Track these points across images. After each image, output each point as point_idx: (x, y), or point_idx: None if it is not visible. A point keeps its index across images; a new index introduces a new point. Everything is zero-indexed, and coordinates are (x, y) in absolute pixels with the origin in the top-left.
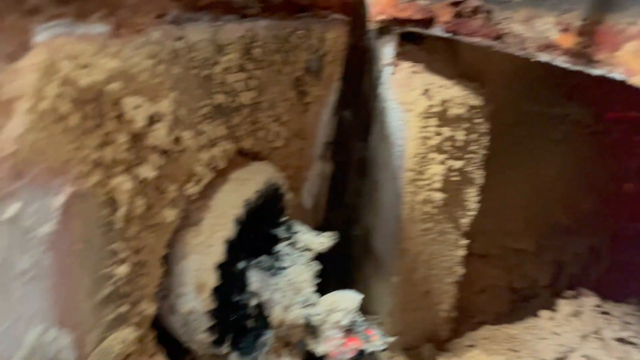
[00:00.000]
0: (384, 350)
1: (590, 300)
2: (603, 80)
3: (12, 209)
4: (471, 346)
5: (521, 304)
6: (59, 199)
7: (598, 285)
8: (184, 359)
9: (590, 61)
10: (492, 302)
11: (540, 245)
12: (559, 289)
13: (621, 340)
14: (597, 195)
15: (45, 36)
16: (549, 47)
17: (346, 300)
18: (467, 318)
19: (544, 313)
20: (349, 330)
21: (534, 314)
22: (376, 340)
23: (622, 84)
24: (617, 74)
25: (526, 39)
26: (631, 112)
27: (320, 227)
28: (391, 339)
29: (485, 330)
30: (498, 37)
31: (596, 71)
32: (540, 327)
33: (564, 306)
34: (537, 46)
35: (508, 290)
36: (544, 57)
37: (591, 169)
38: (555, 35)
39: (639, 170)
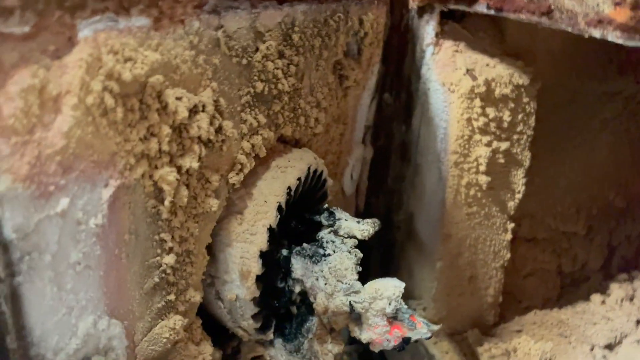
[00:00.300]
0: (428, 338)
1: None
2: None
3: (63, 202)
4: (518, 331)
5: (571, 288)
6: (107, 192)
7: None
8: (230, 345)
9: None
10: (541, 287)
11: (591, 228)
12: (611, 272)
13: None
14: None
15: (89, 32)
16: (601, 22)
17: (390, 287)
18: (514, 303)
19: (595, 297)
20: (394, 318)
21: (584, 298)
22: (421, 328)
23: None
24: None
25: (577, 14)
26: None
27: (362, 213)
28: (436, 327)
29: (534, 315)
30: (546, 13)
31: None
32: (592, 312)
33: (616, 290)
34: (589, 21)
35: (557, 274)
36: (596, 33)
37: None
38: (608, 9)
39: None
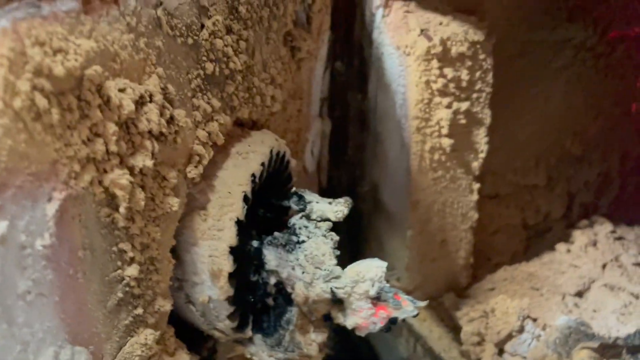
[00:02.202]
0: (415, 316)
1: (604, 228)
2: None
3: (1, 227)
4: (492, 289)
5: (536, 240)
6: (52, 207)
7: (610, 211)
8: (205, 346)
9: None
10: (508, 242)
11: (550, 178)
12: (572, 220)
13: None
14: (604, 120)
15: (6, 22)
16: None
17: (372, 268)
18: (483, 261)
19: (560, 246)
20: (377, 299)
21: (550, 248)
22: (407, 306)
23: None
24: None
25: None
26: (634, 28)
27: (325, 188)
28: (423, 304)
29: (504, 272)
30: None
31: None
32: (559, 261)
33: (580, 237)
34: None
35: (522, 227)
36: None
37: (597, 93)
38: None
39: None
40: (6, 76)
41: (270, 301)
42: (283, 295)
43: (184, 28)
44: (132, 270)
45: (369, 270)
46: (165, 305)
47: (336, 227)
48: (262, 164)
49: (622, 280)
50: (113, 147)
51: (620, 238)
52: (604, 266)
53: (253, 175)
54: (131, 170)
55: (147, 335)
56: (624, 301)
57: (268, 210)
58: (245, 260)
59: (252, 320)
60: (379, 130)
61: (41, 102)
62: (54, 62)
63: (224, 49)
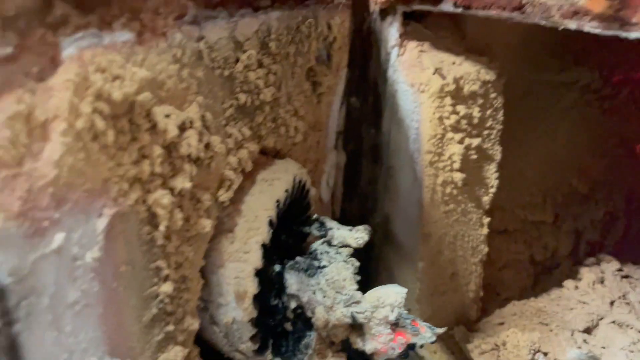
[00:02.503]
0: (434, 342)
1: (611, 266)
2: (609, 41)
3: (58, 238)
4: (501, 324)
5: (544, 276)
6: (102, 222)
7: (617, 249)
8: None
9: (625, 24)
10: (516, 277)
11: (557, 215)
12: (580, 257)
13: None
14: (609, 160)
15: (74, 49)
16: (577, 13)
17: (392, 294)
18: (493, 295)
19: (568, 283)
20: (395, 325)
21: (558, 284)
22: (425, 332)
23: (628, 45)
24: None
25: (550, 7)
26: (638, 72)
27: (337, 219)
28: (440, 330)
29: (513, 306)
30: (518, 8)
31: (633, 34)
32: (567, 298)
33: (587, 274)
34: (564, 13)
35: (530, 263)
36: (572, 25)
37: (602, 133)
38: (583, 1)
39: None
40: (71, 99)
41: (288, 326)
42: (302, 320)
43: (222, 60)
44: (167, 287)
45: (389, 296)
46: (193, 324)
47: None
48: (286, 191)
49: (630, 317)
50: (158, 169)
51: (627, 276)
52: (611, 303)
53: (277, 201)
54: (172, 191)
55: (177, 353)
56: (633, 338)
57: (289, 235)
58: (268, 284)
59: (271, 343)
60: (391, 164)
61: (100, 123)
62: (112, 87)
63: (255, 81)
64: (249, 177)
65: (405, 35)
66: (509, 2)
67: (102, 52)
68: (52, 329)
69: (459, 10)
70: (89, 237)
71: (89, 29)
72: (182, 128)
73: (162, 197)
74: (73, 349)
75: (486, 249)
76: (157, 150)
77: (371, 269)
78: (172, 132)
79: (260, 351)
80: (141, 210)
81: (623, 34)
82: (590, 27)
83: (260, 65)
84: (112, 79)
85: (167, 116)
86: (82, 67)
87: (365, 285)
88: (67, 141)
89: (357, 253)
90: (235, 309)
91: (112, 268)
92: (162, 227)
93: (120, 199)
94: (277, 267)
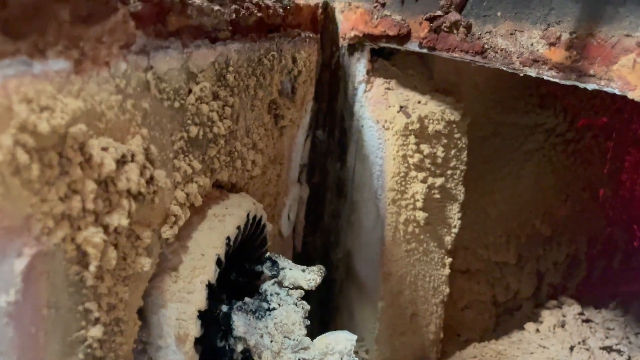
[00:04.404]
0: None
1: (572, 309)
2: (574, 86)
3: None
4: None
5: (506, 317)
6: (21, 263)
7: (578, 292)
8: None
9: (582, 75)
10: (477, 318)
11: (520, 256)
12: (542, 299)
13: (607, 348)
14: (573, 203)
15: None
16: (536, 61)
17: (341, 341)
18: (453, 337)
19: (529, 325)
20: None
21: (519, 327)
22: None
23: (592, 90)
24: (613, 89)
25: (511, 54)
26: (601, 117)
27: (299, 253)
28: None
29: (473, 349)
30: (480, 52)
31: (590, 85)
32: (527, 341)
33: (548, 317)
34: (523, 61)
35: (492, 304)
36: (531, 72)
37: (566, 176)
38: (543, 49)
39: (611, 175)
40: None
41: None
42: None
43: (171, 92)
44: (96, 331)
45: (338, 343)
46: None
47: (308, 294)
48: (238, 227)
49: None
50: (90, 205)
51: (587, 320)
52: (571, 349)
53: (228, 238)
54: (106, 228)
55: None
56: None
57: (240, 274)
58: (213, 325)
59: None
60: (355, 199)
61: (22, 157)
62: (39, 119)
63: (209, 114)
64: (199, 212)
65: (372, 72)
66: (471, 47)
67: (31, 82)
68: None
69: (424, 50)
70: (4, 279)
71: (16, 56)
72: (122, 162)
73: (93, 235)
74: None
75: (447, 290)
76: (90, 185)
77: (332, 306)
78: (109, 166)
79: None
80: (69, 249)
81: (581, 85)
82: (549, 75)
83: (216, 97)
84: (39, 110)
85: (105, 149)
86: (5, 97)
87: (325, 321)
88: None
89: (319, 288)
90: (176, 352)
91: (31, 312)
92: (92, 267)
93: (43, 237)
94: (224, 308)
